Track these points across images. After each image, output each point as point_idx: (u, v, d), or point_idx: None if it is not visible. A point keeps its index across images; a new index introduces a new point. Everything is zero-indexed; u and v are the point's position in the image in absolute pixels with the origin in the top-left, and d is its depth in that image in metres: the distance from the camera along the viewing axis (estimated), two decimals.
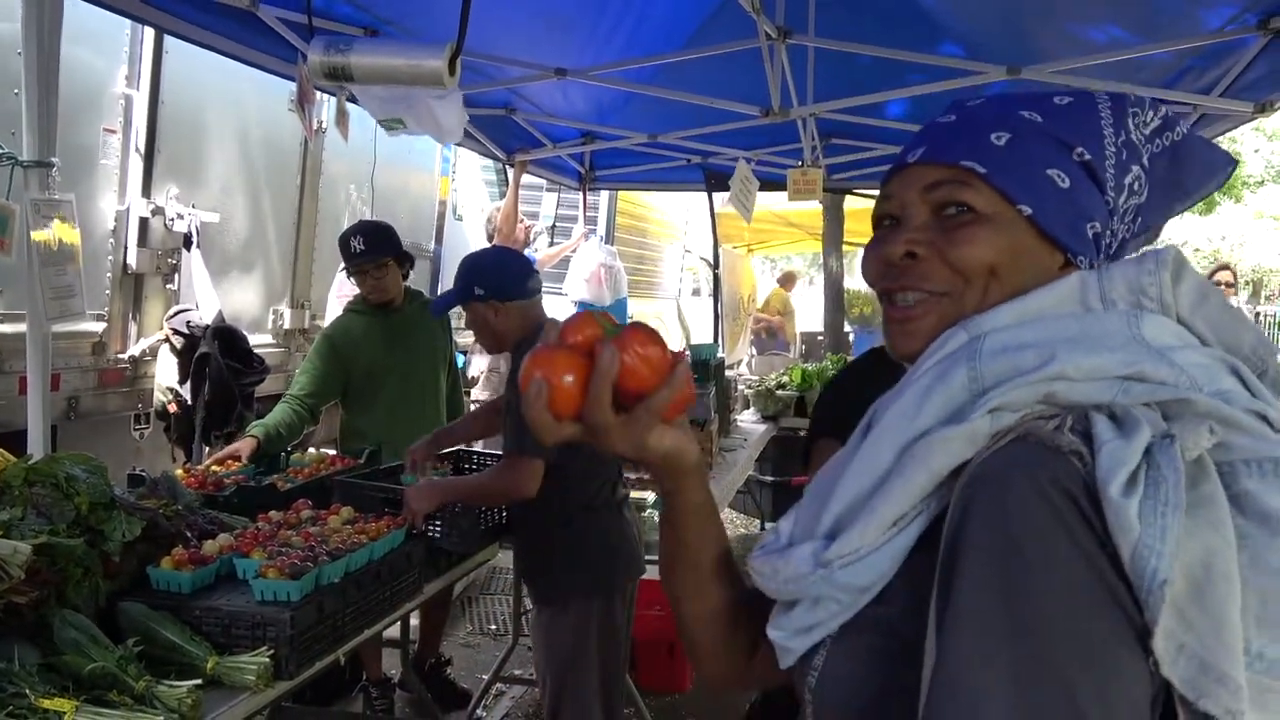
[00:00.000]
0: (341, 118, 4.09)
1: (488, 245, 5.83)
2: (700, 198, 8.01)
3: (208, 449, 4.39)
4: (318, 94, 4.35)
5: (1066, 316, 0.84)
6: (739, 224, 10.03)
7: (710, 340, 7.84)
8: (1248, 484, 0.74)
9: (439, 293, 7.54)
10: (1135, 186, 0.93)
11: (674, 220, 11.98)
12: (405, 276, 4.14)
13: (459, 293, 3.01)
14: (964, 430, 0.79)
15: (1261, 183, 20.04)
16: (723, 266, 9.05)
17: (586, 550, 2.98)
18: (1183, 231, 24.97)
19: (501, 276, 2.97)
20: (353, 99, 4.13)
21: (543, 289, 3.15)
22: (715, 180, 7.14)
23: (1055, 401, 0.78)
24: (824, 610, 0.85)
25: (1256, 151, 19.70)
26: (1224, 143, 17.32)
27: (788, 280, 12.56)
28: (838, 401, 1.59)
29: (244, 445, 3.63)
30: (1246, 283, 27.76)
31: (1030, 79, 4.32)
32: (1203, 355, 0.81)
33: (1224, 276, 6.55)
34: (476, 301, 2.98)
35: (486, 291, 2.95)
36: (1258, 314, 14.10)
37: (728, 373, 7.21)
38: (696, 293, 13.33)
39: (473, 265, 3.04)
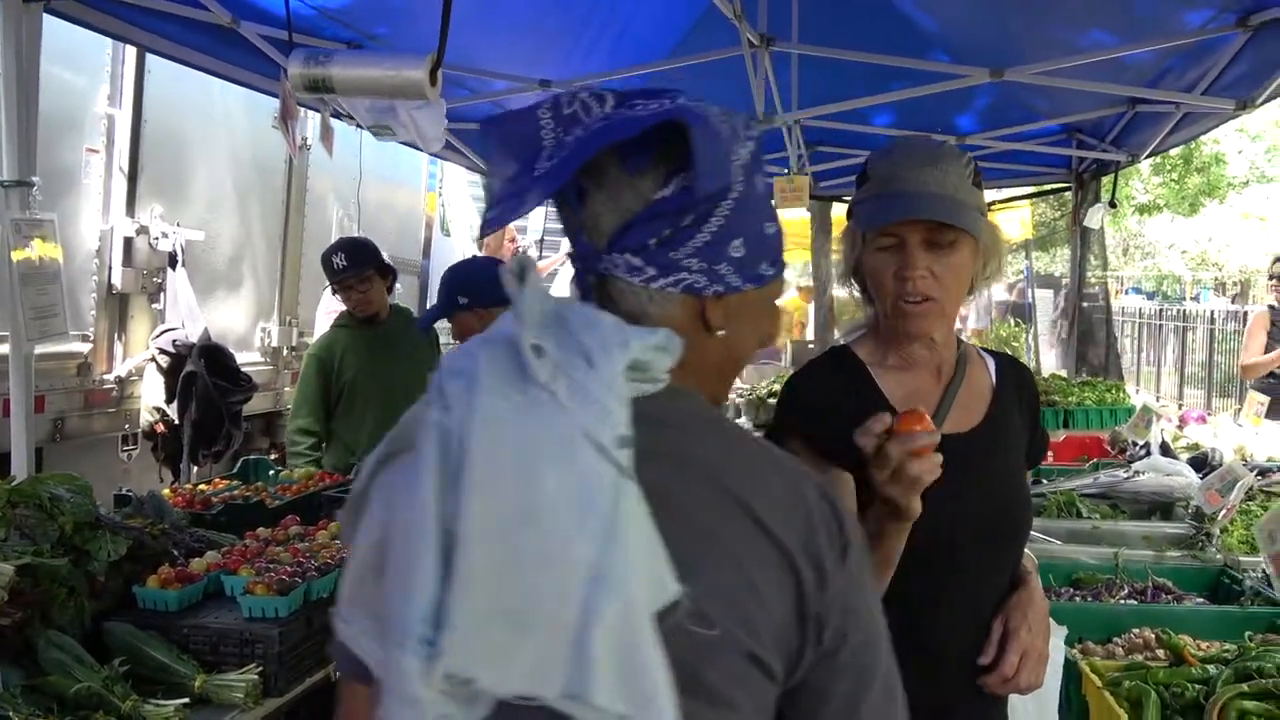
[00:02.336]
0: (326, 133, 4.08)
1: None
2: None
3: (195, 468, 4.36)
4: (301, 110, 4.34)
5: None
6: None
7: None
8: None
9: (427, 307, 7.51)
10: None
11: None
12: (390, 290, 4.15)
13: (443, 306, 3.02)
14: None
15: (1246, 183, 20.10)
16: None
17: None
18: (1170, 233, 25.09)
19: (483, 284, 2.98)
20: (337, 114, 4.12)
21: None
22: None
23: None
24: None
25: (1240, 153, 19.75)
26: (1206, 143, 17.36)
27: (806, 291, 12.61)
28: (800, 401, 1.59)
29: None
30: (1235, 283, 27.89)
31: (1013, 80, 4.33)
32: (474, 343, 0.88)
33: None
34: (462, 311, 2.98)
35: (470, 300, 2.96)
36: (1246, 314, 14.14)
37: None
38: None
39: (454, 276, 3.05)
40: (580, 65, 4.69)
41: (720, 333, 1.01)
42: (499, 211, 0.95)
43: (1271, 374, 5.37)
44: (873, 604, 1.00)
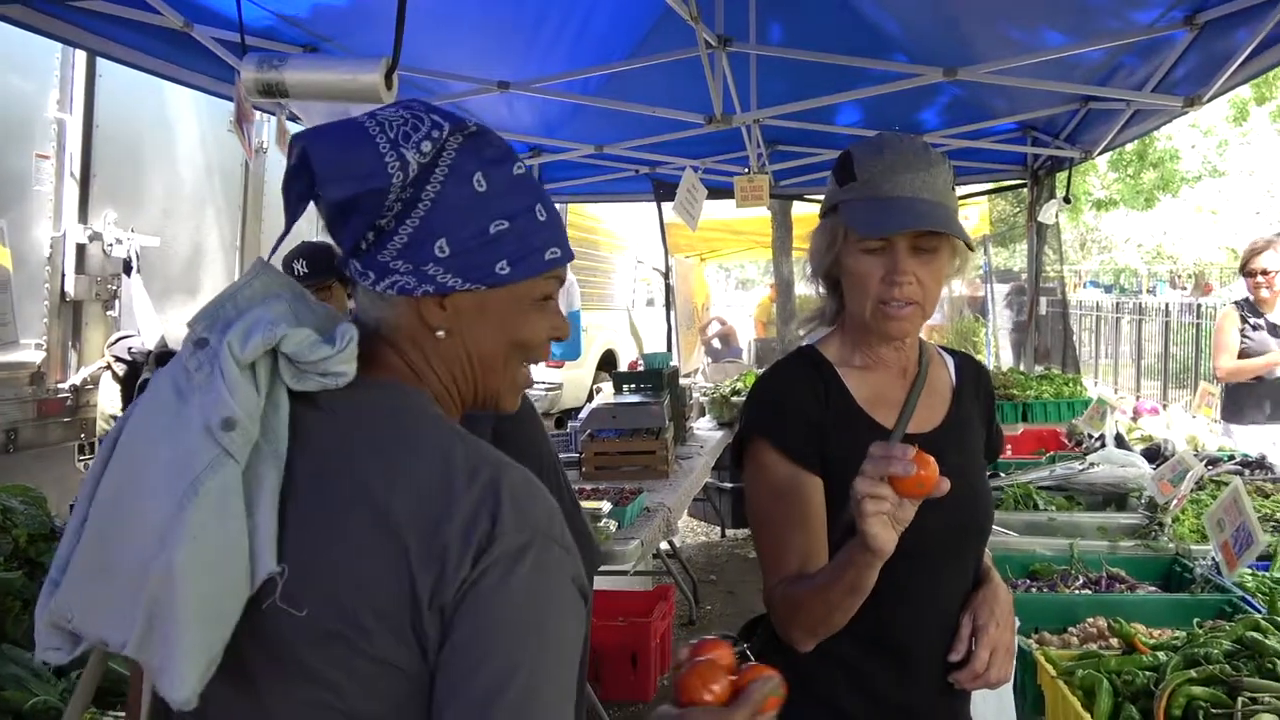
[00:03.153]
0: (282, 136, 4.05)
1: None
2: (650, 208, 8.06)
3: None
4: (257, 113, 4.29)
5: None
6: (690, 234, 10.07)
7: (664, 349, 7.84)
8: None
9: None
10: None
11: (624, 232, 12.01)
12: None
13: None
14: None
15: (1199, 178, 20.47)
16: (675, 276, 9.08)
17: None
18: (1126, 227, 25.46)
19: None
20: (293, 117, 4.09)
21: None
22: (663, 190, 7.17)
23: None
24: None
25: (1193, 147, 20.12)
26: (1160, 138, 17.60)
27: (776, 289, 12.65)
28: (769, 402, 1.58)
29: None
30: (1189, 275, 28.36)
31: (966, 80, 4.38)
32: None
33: (1260, 264, 4.87)
34: None
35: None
36: (1199, 306, 14.39)
37: (684, 381, 7.22)
38: (651, 303, 13.35)
39: None
40: (539, 66, 4.69)
41: (440, 333, 1.04)
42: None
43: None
44: (523, 618, 0.91)
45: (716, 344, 11.55)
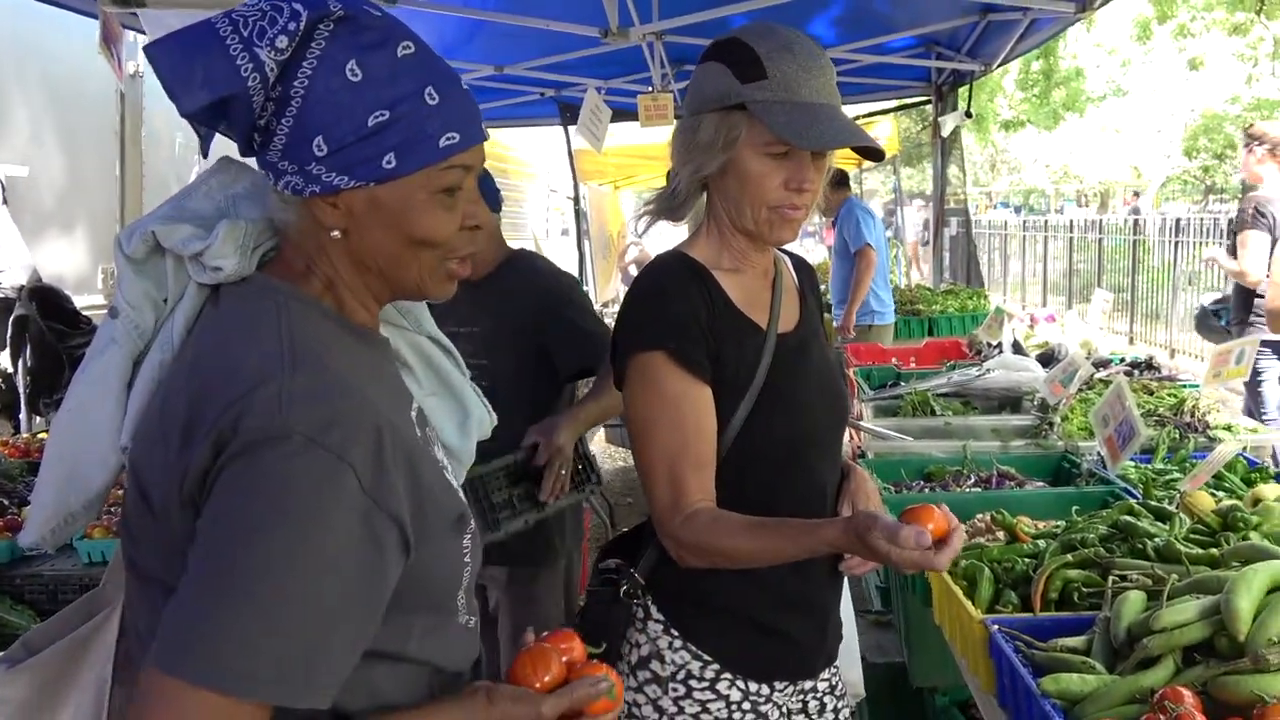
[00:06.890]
0: None
1: None
2: (561, 137, 7.93)
3: (37, 418, 4.12)
4: (129, 33, 4.04)
5: None
6: (602, 161, 9.93)
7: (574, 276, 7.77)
8: None
9: None
10: None
11: (535, 161, 11.80)
12: None
13: None
14: None
15: (1104, 97, 20.89)
16: (588, 204, 8.96)
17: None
18: (1034, 148, 25.94)
19: None
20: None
21: None
22: (570, 114, 7.03)
23: None
24: None
25: (1098, 67, 20.49)
26: (1066, 57, 17.75)
27: None
28: (666, 314, 1.49)
29: None
30: (1095, 194, 29.10)
31: None
32: None
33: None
34: None
35: None
36: (1099, 222, 14.77)
37: (598, 308, 7.16)
38: (565, 233, 13.21)
39: None
40: None
41: (335, 233, 1.02)
42: None
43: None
44: (245, 513, 0.90)
45: (633, 270, 11.50)
